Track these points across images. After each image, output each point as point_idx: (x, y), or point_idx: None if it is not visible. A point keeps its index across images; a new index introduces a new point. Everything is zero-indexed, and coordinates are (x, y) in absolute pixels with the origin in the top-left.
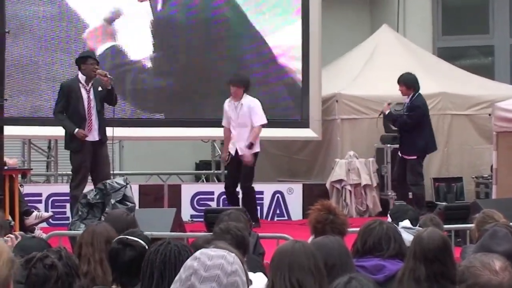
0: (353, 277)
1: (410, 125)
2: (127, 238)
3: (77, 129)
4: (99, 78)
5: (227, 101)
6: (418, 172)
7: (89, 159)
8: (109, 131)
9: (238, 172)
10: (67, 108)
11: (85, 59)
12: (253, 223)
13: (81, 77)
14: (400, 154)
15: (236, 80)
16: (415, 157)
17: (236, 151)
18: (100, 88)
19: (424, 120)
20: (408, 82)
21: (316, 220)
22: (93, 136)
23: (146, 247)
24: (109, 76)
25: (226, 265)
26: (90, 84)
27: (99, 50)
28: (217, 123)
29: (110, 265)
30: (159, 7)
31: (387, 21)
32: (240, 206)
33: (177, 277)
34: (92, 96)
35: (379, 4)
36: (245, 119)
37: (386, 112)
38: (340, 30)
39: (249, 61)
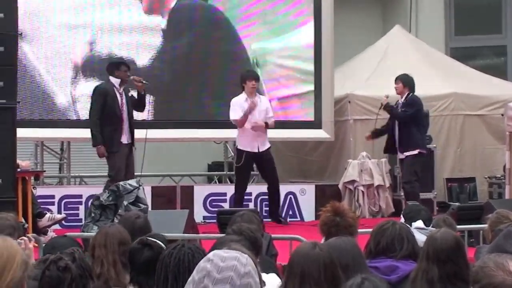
0: (365, 277)
1: (409, 116)
2: (147, 238)
3: (101, 146)
4: (133, 83)
5: (242, 97)
6: (414, 170)
7: (125, 161)
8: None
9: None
10: (103, 111)
11: (118, 65)
12: (283, 220)
13: (115, 81)
14: (400, 157)
15: (257, 76)
16: (416, 152)
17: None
18: (130, 94)
19: (420, 116)
20: (406, 81)
21: (323, 222)
22: (126, 139)
23: (164, 247)
24: (143, 81)
25: (239, 267)
26: (122, 89)
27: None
28: (229, 124)
29: (128, 265)
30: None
31: (400, 21)
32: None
33: (190, 279)
34: (124, 101)
35: (391, 5)
36: (264, 114)
37: (384, 103)
38: (353, 31)
39: (262, 63)
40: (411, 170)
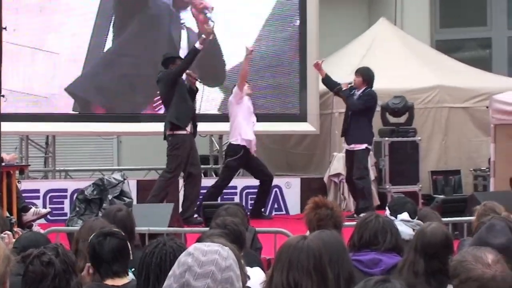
0: (386, 280)
1: (360, 108)
2: (104, 230)
3: None
4: (188, 78)
5: (246, 97)
6: (364, 166)
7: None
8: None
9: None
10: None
11: (174, 60)
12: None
13: None
14: (347, 148)
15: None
16: (363, 146)
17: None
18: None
19: (371, 111)
20: (366, 76)
21: (319, 218)
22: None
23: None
24: (198, 79)
25: (220, 261)
26: None
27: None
28: (214, 118)
29: (95, 263)
30: None
31: (385, 14)
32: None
33: (170, 273)
34: None
35: None
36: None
37: (343, 89)
38: (339, 23)
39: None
40: (361, 166)
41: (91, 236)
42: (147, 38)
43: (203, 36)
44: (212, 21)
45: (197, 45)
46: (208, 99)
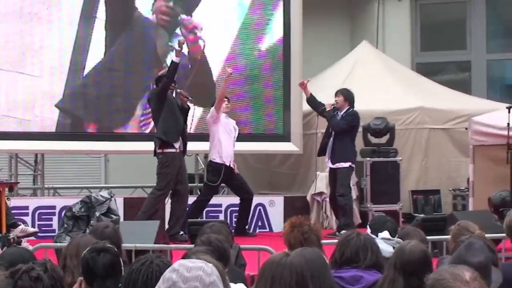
0: None
1: (343, 128)
2: (97, 245)
3: None
4: (179, 97)
5: (223, 115)
6: (347, 183)
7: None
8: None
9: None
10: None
11: (163, 78)
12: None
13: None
14: (331, 166)
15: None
16: (347, 165)
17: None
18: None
19: (355, 131)
20: (347, 96)
21: (303, 232)
22: (180, 146)
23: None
24: (189, 97)
25: (204, 277)
26: None
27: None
28: (199, 137)
29: (88, 278)
30: None
31: (367, 37)
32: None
33: None
34: None
35: (359, 21)
36: (233, 132)
37: (327, 109)
38: (322, 46)
39: (232, 77)
40: (344, 183)
41: (85, 251)
42: (133, 56)
43: (177, 48)
44: (203, 39)
45: (174, 58)
46: (193, 118)
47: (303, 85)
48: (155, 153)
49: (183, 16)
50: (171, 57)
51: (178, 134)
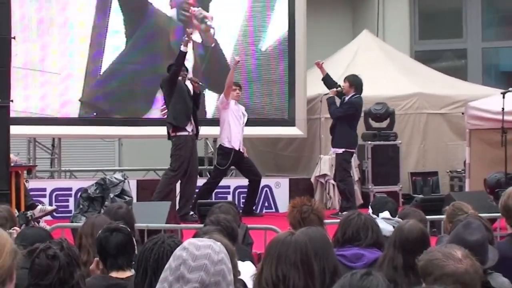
0: (369, 272)
1: (338, 115)
2: (111, 225)
3: None
4: (191, 83)
5: (233, 102)
6: (344, 168)
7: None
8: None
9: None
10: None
11: None
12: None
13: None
14: (332, 149)
15: (239, 84)
16: (341, 151)
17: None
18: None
19: (354, 118)
20: (352, 82)
21: (301, 214)
22: (192, 129)
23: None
24: (200, 83)
25: (213, 255)
26: None
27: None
28: (209, 122)
29: (101, 256)
30: None
31: (368, 26)
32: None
33: (167, 266)
34: None
35: (360, 11)
36: (242, 118)
37: (330, 95)
38: (324, 35)
39: (240, 65)
40: (341, 168)
41: (99, 231)
42: (148, 48)
43: (185, 38)
44: (213, 27)
45: (182, 47)
46: (203, 104)
47: (318, 65)
48: (169, 137)
49: (194, 8)
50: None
51: (188, 118)
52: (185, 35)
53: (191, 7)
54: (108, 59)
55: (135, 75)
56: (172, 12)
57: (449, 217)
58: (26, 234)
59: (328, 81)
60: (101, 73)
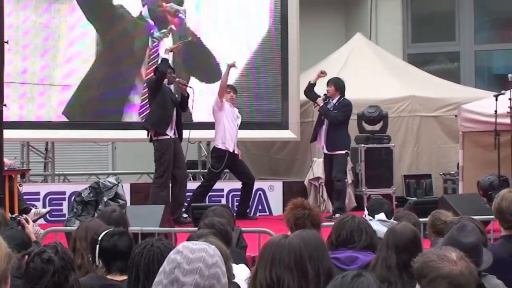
0: (361, 273)
1: (340, 120)
2: (115, 230)
3: None
4: (178, 85)
5: (228, 104)
6: (344, 169)
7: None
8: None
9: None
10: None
11: None
12: (252, 216)
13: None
14: (326, 152)
15: (234, 88)
16: (344, 152)
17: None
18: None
19: (348, 119)
20: (337, 85)
21: (296, 218)
22: (174, 133)
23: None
24: (187, 85)
25: (207, 258)
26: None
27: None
28: (202, 125)
29: (104, 259)
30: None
31: (361, 29)
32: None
33: (161, 269)
34: None
35: (353, 15)
36: (235, 121)
37: (320, 105)
38: (317, 38)
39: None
40: (341, 169)
41: (104, 236)
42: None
43: (167, 48)
44: (183, 15)
45: (162, 54)
46: (195, 108)
47: (321, 74)
48: (151, 139)
49: (165, 4)
50: (160, 53)
51: (167, 124)
52: (165, 50)
53: (163, 3)
54: (98, 64)
55: (122, 80)
56: (144, 11)
57: (431, 227)
58: (5, 236)
59: (311, 92)
60: (91, 79)
